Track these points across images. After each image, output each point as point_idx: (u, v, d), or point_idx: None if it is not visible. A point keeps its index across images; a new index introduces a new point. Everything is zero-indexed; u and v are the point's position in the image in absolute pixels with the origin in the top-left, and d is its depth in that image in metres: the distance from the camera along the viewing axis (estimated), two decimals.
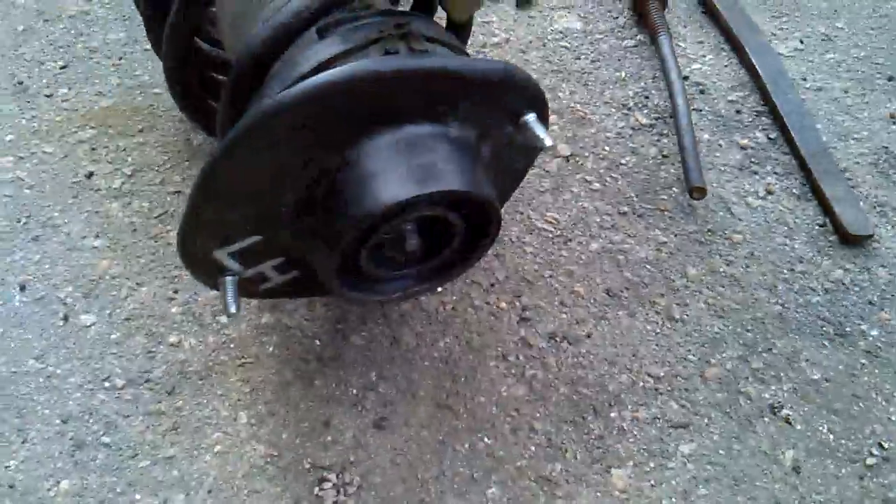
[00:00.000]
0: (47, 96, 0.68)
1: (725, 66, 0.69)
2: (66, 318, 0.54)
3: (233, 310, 0.39)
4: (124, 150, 0.64)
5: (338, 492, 0.46)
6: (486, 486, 0.46)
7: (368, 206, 0.35)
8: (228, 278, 0.40)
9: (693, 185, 0.56)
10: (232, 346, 0.52)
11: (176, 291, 0.55)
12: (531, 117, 0.39)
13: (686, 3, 0.75)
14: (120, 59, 0.71)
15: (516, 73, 0.37)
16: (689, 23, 0.72)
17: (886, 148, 0.63)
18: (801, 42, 0.71)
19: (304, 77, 0.37)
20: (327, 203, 0.36)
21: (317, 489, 0.46)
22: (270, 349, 0.52)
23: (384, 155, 0.35)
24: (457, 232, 0.40)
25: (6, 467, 0.47)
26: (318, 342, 0.52)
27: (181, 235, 0.39)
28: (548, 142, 0.38)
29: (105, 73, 0.70)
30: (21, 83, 0.69)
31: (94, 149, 0.64)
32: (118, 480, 0.47)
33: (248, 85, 0.41)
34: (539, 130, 0.38)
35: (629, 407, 0.49)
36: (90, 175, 0.62)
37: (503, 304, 0.53)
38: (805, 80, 0.68)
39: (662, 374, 0.51)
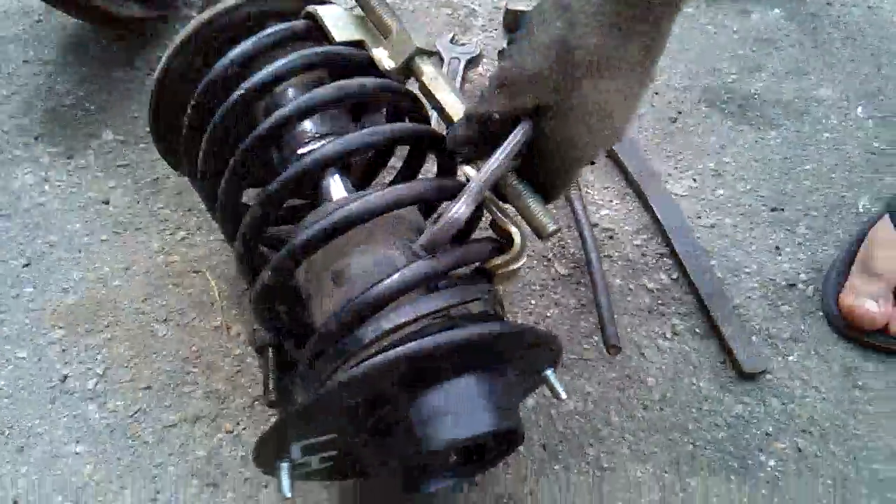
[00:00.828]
0: (14, 297, 0.76)
1: (630, 210, 0.80)
2: None
3: (289, 494, 0.48)
4: (93, 347, 0.72)
5: None
6: None
7: (433, 444, 0.45)
8: (285, 464, 0.49)
9: (609, 344, 0.67)
10: None
11: (157, 492, 0.64)
12: (550, 372, 0.51)
13: None
14: (79, 251, 0.80)
15: (547, 337, 0.49)
16: (595, 169, 0.83)
17: (773, 280, 0.74)
18: (694, 180, 0.82)
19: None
20: (396, 437, 0.46)
21: None
22: None
23: (442, 402, 0.45)
24: (489, 447, 0.50)
25: None
26: None
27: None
28: (563, 396, 0.50)
29: (67, 267, 0.78)
30: None
31: (64, 350, 0.72)
32: None
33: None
34: (557, 385, 0.51)
35: None
36: (64, 378, 0.70)
37: None
38: (699, 217, 0.79)
39: None
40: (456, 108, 0.52)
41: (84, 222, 0.81)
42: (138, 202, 0.82)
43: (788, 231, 0.78)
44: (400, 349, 0.44)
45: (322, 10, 0.57)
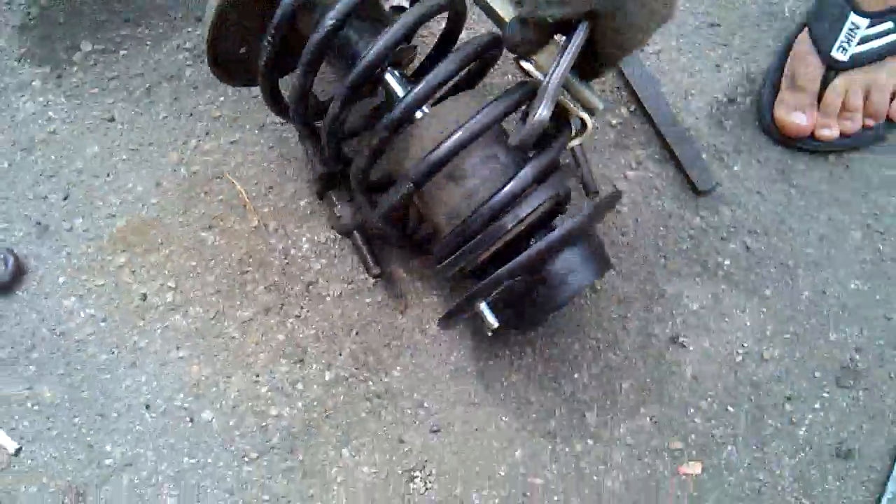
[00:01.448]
0: (69, 231, 0.90)
1: None
2: (192, 420, 0.82)
3: (495, 324, 0.65)
4: (158, 265, 0.87)
5: (424, 483, 0.78)
6: None
7: (568, 294, 0.65)
8: (483, 304, 0.65)
9: (589, 191, 0.84)
10: (314, 403, 0.81)
11: (256, 375, 0.83)
12: None
13: None
14: (108, 175, 0.92)
15: (614, 197, 0.69)
16: None
17: (717, 97, 0.90)
18: None
19: None
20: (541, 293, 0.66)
21: (410, 484, 0.78)
22: (340, 398, 0.82)
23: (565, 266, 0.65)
24: None
25: None
26: (371, 384, 0.82)
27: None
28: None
29: (103, 192, 0.91)
30: (39, 223, 0.90)
31: (134, 271, 0.88)
32: None
33: None
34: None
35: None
36: (144, 297, 0.87)
37: None
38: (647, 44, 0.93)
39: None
40: (505, 11, 0.63)
41: (100, 145, 0.92)
42: (141, 114, 0.93)
43: (725, 46, 0.92)
44: (548, 238, 0.62)
45: None
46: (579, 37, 0.58)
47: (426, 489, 0.76)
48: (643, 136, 0.88)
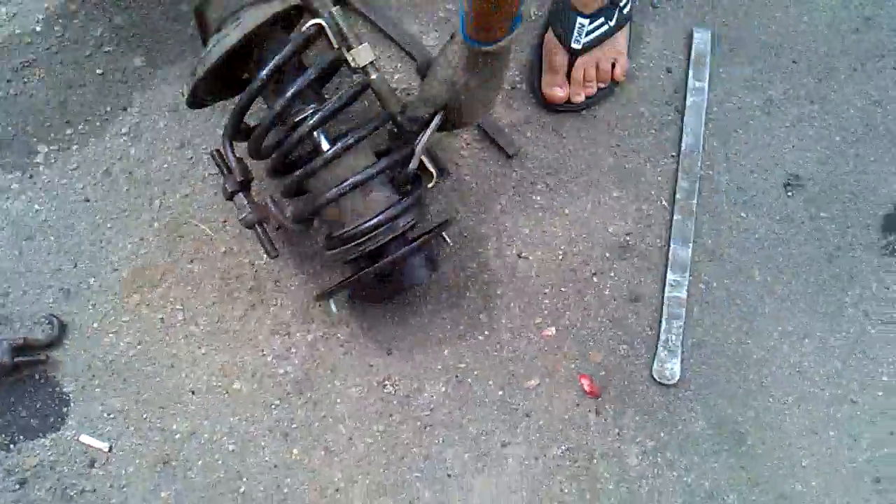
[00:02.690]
0: (86, 288, 1.32)
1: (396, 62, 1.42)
2: (227, 391, 1.29)
3: (336, 311, 1.19)
4: (164, 295, 1.32)
5: (393, 386, 1.30)
6: None
7: (413, 282, 1.15)
8: (332, 300, 1.19)
9: (443, 171, 1.34)
10: (306, 358, 1.30)
11: (262, 350, 1.31)
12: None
13: None
14: (101, 241, 1.34)
15: (444, 225, 1.19)
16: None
17: (505, 87, 1.42)
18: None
19: None
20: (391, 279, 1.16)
21: (384, 389, 1.30)
22: (321, 349, 1.31)
23: (412, 269, 1.17)
24: None
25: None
26: (339, 335, 1.31)
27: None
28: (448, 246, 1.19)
29: (102, 255, 1.33)
30: (62, 289, 1.32)
31: (147, 304, 1.31)
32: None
33: None
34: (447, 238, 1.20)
35: None
36: (162, 320, 1.31)
37: None
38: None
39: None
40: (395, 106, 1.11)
41: (86, 221, 1.32)
42: (108, 191, 1.32)
43: None
44: (402, 250, 1.10)
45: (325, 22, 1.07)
46: (435, 120, 1.09)
47: (395, 390, 1.28)
48: None
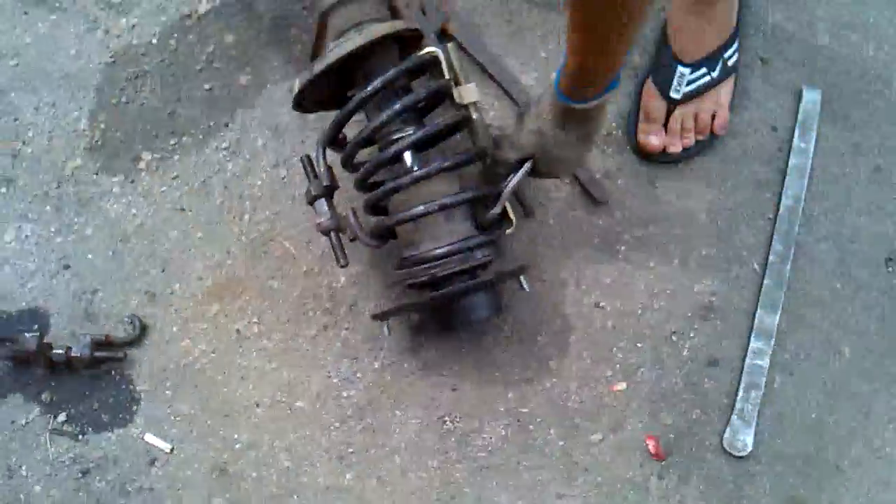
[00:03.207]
0: (171, 294, 1.39)
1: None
2: (290, 409, 1.33)
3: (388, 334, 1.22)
4: (242, 308, 1.37)
5: (451, 421, 1.31)
6: None
7: (473, 319, 1.17)
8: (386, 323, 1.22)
9: (527, 211, 1.36)
10: (371, 384, 1.33)
11: (328, 372, 1.34)
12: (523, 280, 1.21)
13: None
14: (190, 249, 1.41)
15: (518, 270, 1.21)
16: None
17: (602, 133, 1.43)
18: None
19: None
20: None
21: (444, 425, 1.31)
22: (388, 378, 1.33)
23: (473, 304, 1.19)
24: None
25: None
26: (405, 364, 1.34)
27: None
28: (527, 289, 1.23)
29: (190, 263, 1.40)
30: (148, 292, 1.39)
31: (226, 315, 1.37)
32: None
33: None
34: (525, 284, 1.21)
35: None
36: (238, 332, 1.36)
37: None
38: None
39: None
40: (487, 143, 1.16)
41: (178, 229, 1.39)
42: (203, 202, 1.39)
43: None
44: (459, 285, 1.12)
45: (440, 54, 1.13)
46: (525, 167, 1.12)
47: (454, 427, 1.29)
48: None
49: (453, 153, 1.16)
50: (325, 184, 1.17)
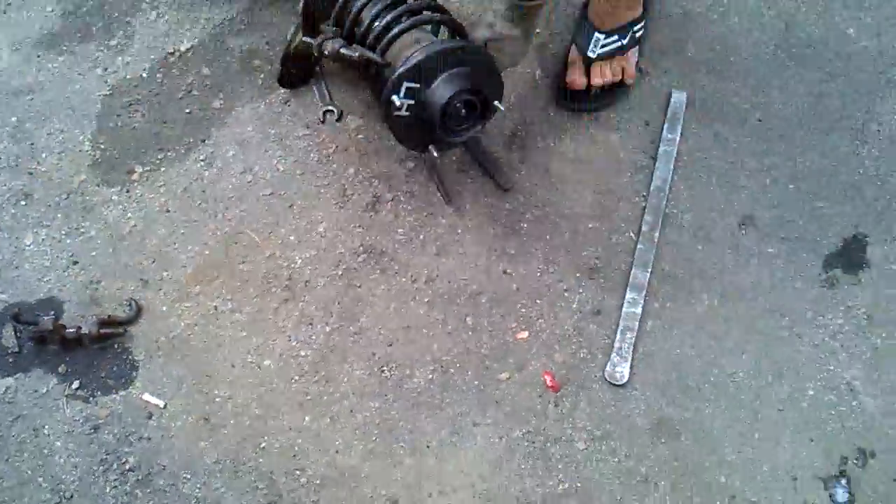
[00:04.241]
0: (160, 280, 1.72)
1: None
2: (259, 367, 1.66)
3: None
4: (218, 288, 1.71)
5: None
6: None
7: (442, 98, 1.38)
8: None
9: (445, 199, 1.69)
10: (322, 343, 1.66)
11: (289, 336, 1.67)
12: (497, 103, 1.53)
13: None
14: (175, 243, 1.75)
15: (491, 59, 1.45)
16: None
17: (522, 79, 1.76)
18: None
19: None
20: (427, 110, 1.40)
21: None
22: (335, 337, 1.66)
23: (441, 83, 1.38)
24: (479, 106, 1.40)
25: None
26: (337, 334, 1.66)
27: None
28: (501, 108, 1.62)
29: (175, 254, 1.74)
30: (142, 279, 1.72)
31: (205, 294, 1.71)
32: None
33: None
34: (499, 105, 1.52)
35: None
36: (216, 308, 1.70)
37: None
38: None
39: None
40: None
41: (165, 228, 1.73)
42: (188, 206, 1.74)
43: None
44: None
45: None
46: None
47: (391, 374, 1.61)
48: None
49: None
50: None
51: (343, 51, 1.43)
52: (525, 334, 1.57)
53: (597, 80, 1.67)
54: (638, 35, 1.64)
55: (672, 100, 1.67)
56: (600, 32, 1.67)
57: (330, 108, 1.71)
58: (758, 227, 1.59)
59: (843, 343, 1.51)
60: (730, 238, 1.59)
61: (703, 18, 1.77)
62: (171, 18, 1.82)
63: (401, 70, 1.35)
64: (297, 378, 1.57)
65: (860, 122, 1.67)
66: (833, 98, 1.68)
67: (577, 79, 1.68)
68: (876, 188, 1.61)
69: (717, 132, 1.66)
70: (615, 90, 1.70)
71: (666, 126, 1.66)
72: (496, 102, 1.45)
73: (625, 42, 1.67)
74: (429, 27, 1.50)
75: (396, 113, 1.39)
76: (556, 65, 1.75)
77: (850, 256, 1.57)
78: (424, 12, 1.48)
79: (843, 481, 1.40)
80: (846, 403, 1.48)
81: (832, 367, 1.50)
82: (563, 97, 1.72)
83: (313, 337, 1.59)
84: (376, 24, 1.47)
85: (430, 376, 1.55)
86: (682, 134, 1.65)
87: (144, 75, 1.76)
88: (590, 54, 1.67)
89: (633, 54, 1.67)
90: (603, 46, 1.66)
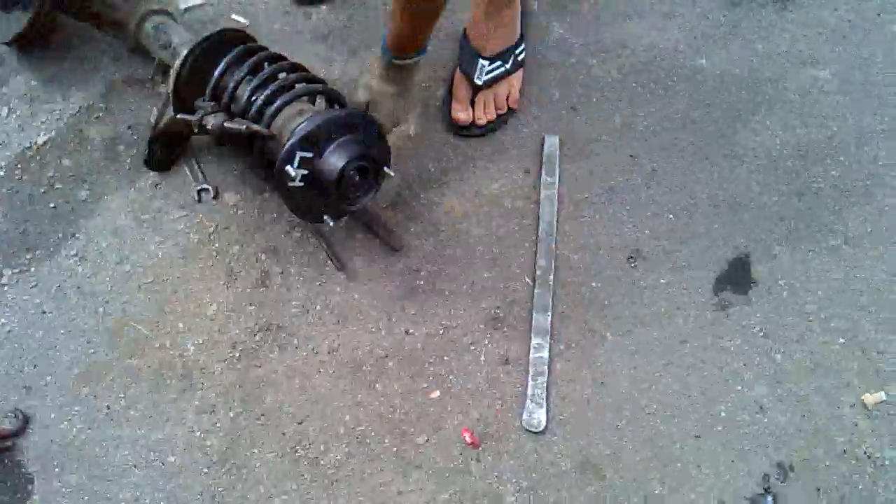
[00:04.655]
0: (44, 386, 1.62)
1: None
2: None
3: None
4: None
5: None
6: None
7: (335, 167, 1.37)
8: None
9: (337, 266, 1.66)
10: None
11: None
12: (386, 168, 1.50)
13: None
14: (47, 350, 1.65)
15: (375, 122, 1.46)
16: None
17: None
18: None
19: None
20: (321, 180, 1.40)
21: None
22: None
23: (332, 151, 1.39)
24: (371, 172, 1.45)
25: None
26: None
27: None
28: (391, 174, 1.57)
29: (58, 359, 1.64)
30: (26, 386, 1.62)
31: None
32: None
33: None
34: (389, 172, 1.50)
35: None
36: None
37: None
38: None
39: None
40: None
41: (43, 332, 1.64)
42: (61, 304, 1.66)
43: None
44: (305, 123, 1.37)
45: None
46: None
47: (305, 453, 1.56)
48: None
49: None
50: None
51: (227, 125, 1.40)
52: (437, 393, 1.55)
53: (480, 120, 1.71)
54: (520, 58, 1.69)
55: (546, 144, 1.71)
56: (484, 59, 1.69)
57: (205, 186, 1.66)
58: (646, 259, 1.63)
59: (745, 363, 1.56)
60: (621, 273, 1.62)
61: (564, 63, 1.81)
62: (23, 112, 1.73)
63: (293, 140, 1.33)
64: (205, 470, 1.51)
65: (725, 148, 1.75)
66: (705, 123, 1.75)
67: (461, 115, 1.72)
68: (751, 209, 1.68)
69: (593, 170, 1.70)
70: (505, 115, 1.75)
71: (544, 170, 1.68)
72: (385, 168, 1.44)
73: (508, 66, 1.71)
74: (306, 98, 1.49)
75: (291, 184, 1.36)
76: (444, 90, 1.79)
77: (738, 277, 1.62)
78: (302, 84, 1.46)
79: (769, 498, 1.43)
80: (758, 421, 1.52)
81: (739, 388, 1.54)
82: (450, 127, 1.75)
83: (218, 425, 1.53)
84: (255, 97, 1.44)
85: (346, 449, 1.52)
86: (559, 176, 1.67)
87: (1, 174, 1.66)
88: (476, 81, 1.70)
89: (517, 79, 1.71)
90: (488, 73, 1.70)
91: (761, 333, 1.58)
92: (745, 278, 1.61)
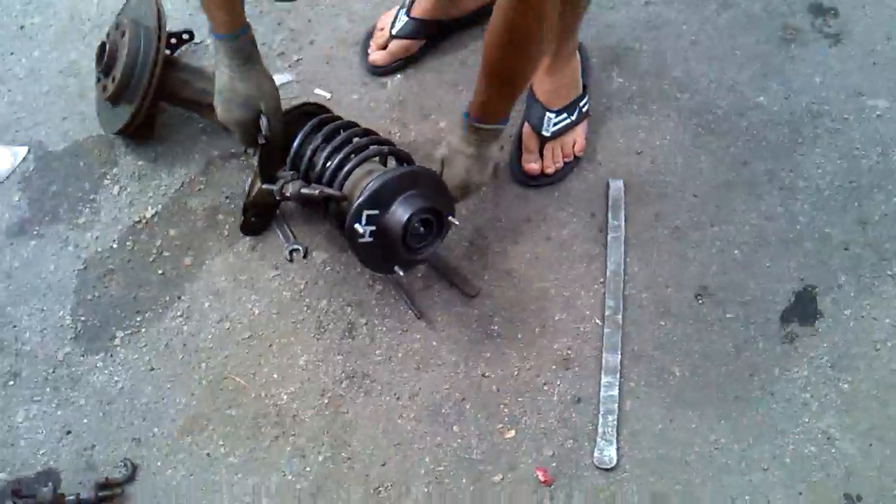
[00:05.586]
0: (152, 436, 1.74)
1: None
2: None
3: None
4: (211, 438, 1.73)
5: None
6: None
7: (402, 218, 1.45)
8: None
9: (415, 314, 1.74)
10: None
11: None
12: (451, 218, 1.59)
13: None
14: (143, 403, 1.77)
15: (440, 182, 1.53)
16: None
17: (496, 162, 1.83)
18: None
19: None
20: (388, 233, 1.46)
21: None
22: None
23: (398, 205, 1.48)
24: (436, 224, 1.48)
25: None
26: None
27: None
28: (456, 223, 1.57)
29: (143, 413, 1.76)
30: (136, 439, 1.75)
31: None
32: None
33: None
34: (454, 221, 1.57)
35: None
36: (209, 453, 1.72)
37: None
38: None
39: None
40: None
41: (151, 387, 1.77)
42: (168, 361, 1.79)
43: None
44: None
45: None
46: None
47: (388, 494, 1.62)
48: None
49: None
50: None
51: (304, 190, 1.53)
52: (512, 433, 1.59)
53: (549, 169, 1.79)
54: (584, 109, 1.77)
55: (611, 188, 1.75)
56: (550, 112, 1.78)
57: (295, 246, 1.77)
58: (713, 295, 1.65)
59: (813, 393, 1.55)
60: (688, 310, 1.64)
61: (624, 109, 1.86)
62: (132, 190, 1.89)
63: (360, 200, 1.43)
64: None
65: (787, 181, 1.76)
66: (758, 162, 1.77)
67: (532, 165, 1.80)
68: (815, 240, 1.68)
69: (658, 212, 1.74)
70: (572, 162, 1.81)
71: (610, 214, 1.73)
72: (450, 217, 1.52)
73: (574, 117, 1.79)
74: (377, 159, 1.58)
75: (360, 240, 1.45)
76: (512, 144, 1.86)
77: (804, 309, 1.62)
78: (372, 147, 1.56)
79: None
80: (826, 452, 1.51)
81: (807, 419, 1.53)
82: (520, 178, 1.83)
83: (307, 468, 1.61)
84: (328, 163, 1.56)
85: (426, 489, 1.57)
86: (626, 219, 1.71)
87: (115, 245, 1.83)
88: (544, 133, 1.78)
89: (582, 128, 1.79)
90: (555, 125, 1.78)
91: (829, 364, 1.56)
92: (811, 310, 1.61)
